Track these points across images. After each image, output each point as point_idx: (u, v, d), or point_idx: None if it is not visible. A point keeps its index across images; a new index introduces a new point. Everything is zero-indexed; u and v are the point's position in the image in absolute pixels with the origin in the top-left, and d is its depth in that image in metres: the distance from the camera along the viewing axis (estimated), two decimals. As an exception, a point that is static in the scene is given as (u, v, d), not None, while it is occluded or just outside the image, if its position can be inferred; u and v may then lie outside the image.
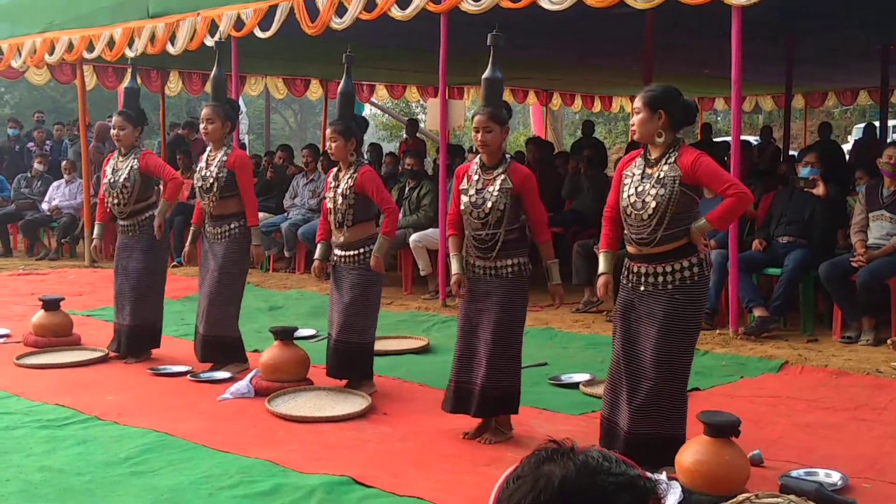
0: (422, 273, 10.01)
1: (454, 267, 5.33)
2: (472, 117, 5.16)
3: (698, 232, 4.48)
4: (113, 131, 7.14)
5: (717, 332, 7.77)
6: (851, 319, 7.56)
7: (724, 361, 6.95)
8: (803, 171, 8.24)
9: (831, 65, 15.65)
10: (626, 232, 4.64)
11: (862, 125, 21.78)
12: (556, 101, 21.58)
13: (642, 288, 4.52)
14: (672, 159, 4.47)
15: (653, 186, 4.45)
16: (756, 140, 17.06)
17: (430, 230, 9.94)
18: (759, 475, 4.52)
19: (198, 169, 6.72)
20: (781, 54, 12.95)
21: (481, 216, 5.07)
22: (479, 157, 5.21)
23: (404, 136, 17.95)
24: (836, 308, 7.69)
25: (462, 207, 5.17)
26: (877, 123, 17.65)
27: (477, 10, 8.14)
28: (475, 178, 5.15)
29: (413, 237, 9.94)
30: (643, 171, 4.55)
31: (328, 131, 6.12)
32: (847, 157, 16.29)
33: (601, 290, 4.86)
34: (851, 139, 23.19)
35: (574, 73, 17.27)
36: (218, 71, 6.88)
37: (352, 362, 6.08)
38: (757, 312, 7.72)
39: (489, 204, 5.04)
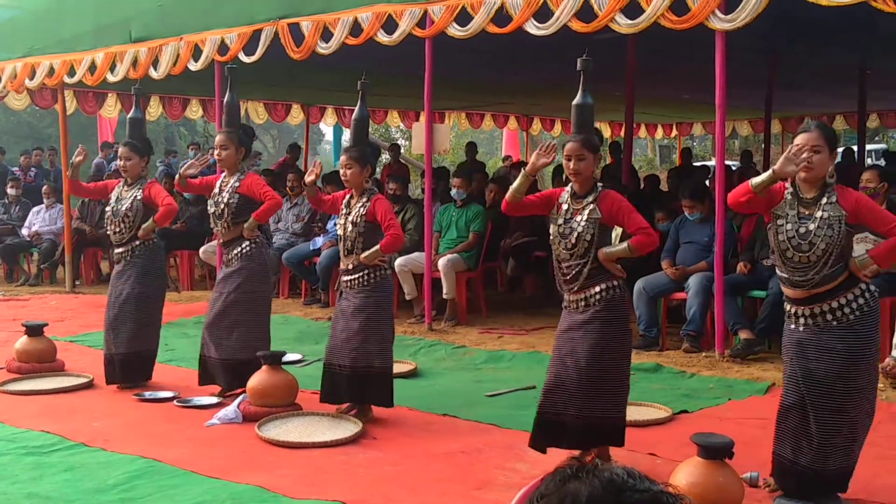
0: (407, 297, 9.99)
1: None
2: (563, 145, 4.93)
3: (859, 266, 4.41)
4: (119, 162, 7.04)
5: (704, 354, 7.78)
6: (836, 342, 7.56)
7: (711, 384, 6.96)
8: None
9: (810, 89, 15.81)
10: (783, 275, 4.50)
11: (840, 149, 21.98)
12: (537, 126, 21.67)
13: (816, 329, 4.39)
14: (833, 199, 4.40)
15: (819, 227, 4.37)
16: (735, 165, 17.15)
17: (416, 254, 9.91)
18: (755, 497, 4.52)
19: (212, 195, 6.69)
20: (762, 78, 13.08)
21: (568, 247, 4.88)
22: (570, 185, 4.99)
23: (386, 160, 17.97)
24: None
25: (550, 238, 4.99)
26: (855, 147, 17.83)
27: (464, 34, 8.16)
28: (565, 207, 4.94)
29: (398, 261, 9.90)
30: (798, 212, 4.46)
31: (343, 158, 6.01)
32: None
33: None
34: (829, 163, 23.32)
35: (555, 97, 17.33)
36: (231, 97, 6.81)
37: (373, 389, 5.95)
38: (742, 335, 7.74)
39: (575, 234, 4.85)
